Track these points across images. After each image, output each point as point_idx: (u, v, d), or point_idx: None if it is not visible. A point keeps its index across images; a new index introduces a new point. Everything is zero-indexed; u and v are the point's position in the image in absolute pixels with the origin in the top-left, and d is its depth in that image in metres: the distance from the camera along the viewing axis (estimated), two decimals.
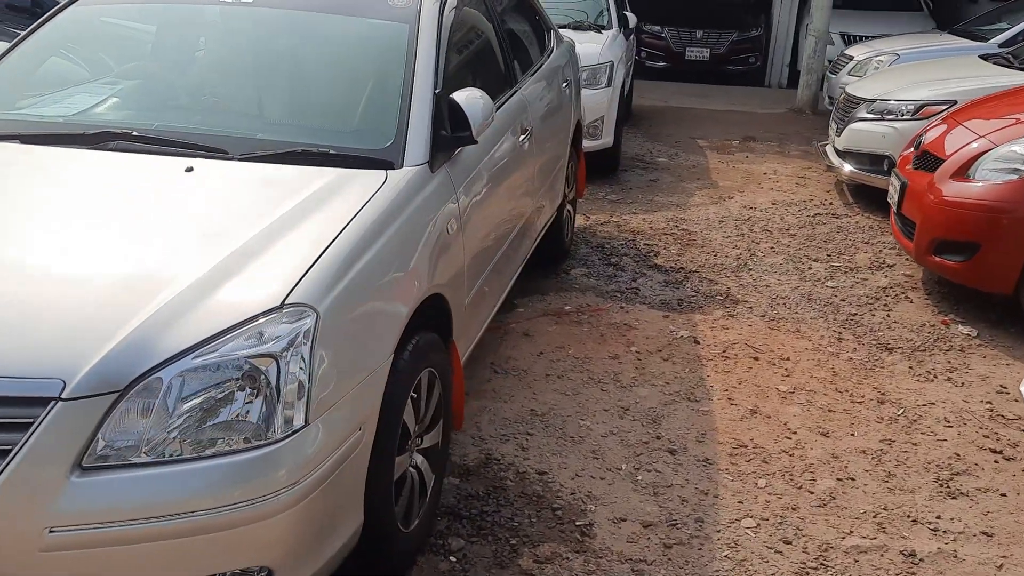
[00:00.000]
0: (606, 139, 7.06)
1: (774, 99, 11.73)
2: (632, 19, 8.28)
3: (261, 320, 1.91)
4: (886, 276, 5.17)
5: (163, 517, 1.79)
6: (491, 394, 3.64)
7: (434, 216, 2.62)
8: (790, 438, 3.42)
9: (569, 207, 5.24)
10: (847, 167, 6.61)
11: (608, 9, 7.93)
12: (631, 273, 5.12)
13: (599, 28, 7.61)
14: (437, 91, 2.84)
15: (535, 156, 3.85)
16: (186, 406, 1.83)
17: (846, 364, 4.06)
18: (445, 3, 3.17)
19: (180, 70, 3.10)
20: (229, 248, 2.10)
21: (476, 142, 2.88)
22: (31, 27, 3.23)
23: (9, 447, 1.71)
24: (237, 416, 1.87)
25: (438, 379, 2.64)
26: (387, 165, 2.57)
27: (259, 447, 1.87)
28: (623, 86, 7.44)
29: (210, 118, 2.81)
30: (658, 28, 12.96)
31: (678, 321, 4.49)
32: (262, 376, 1.89)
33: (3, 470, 1.70)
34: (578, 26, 7.54)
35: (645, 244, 5.64)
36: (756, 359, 4.09)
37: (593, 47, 7.15)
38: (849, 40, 11.22)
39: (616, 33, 7.69)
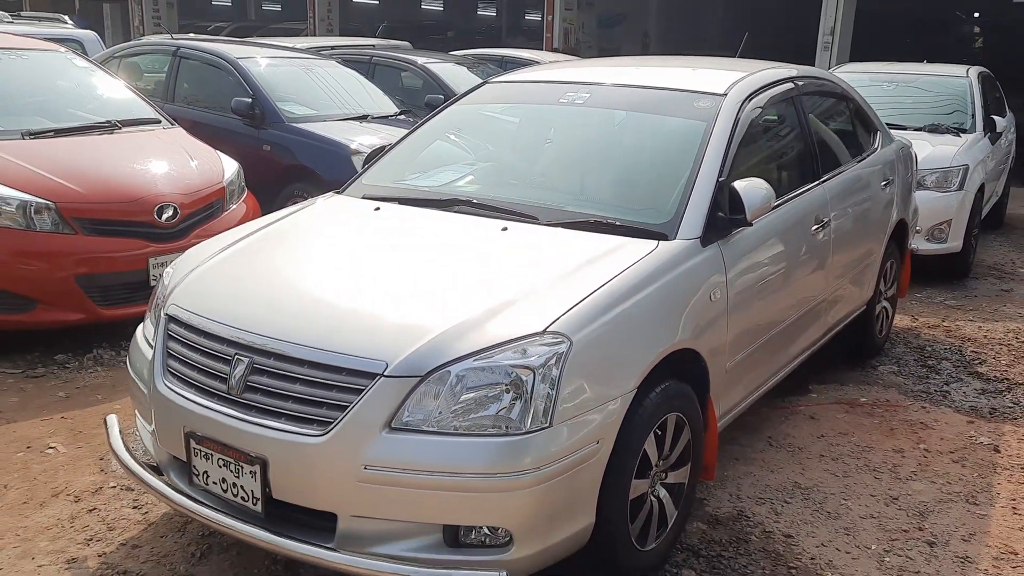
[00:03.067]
0: (952, 243, 6.84)
1: None
2: (1002, 124, 7.89)
3: (526, 340, 2.50)
4: None
5: (440, 473, 2.42)
6: (760, 463, 3.88)
7: (697, 283, 3.05)
8: None
9: (886, 305, 5.26)
10: None
11: (973, 114, 7.69)
12: (945, 377, 4.98)
13: (958, 131, 7.42)
14: (721, 179, 3.29)
15: (832, 248, 4.08)
16: (465, 395, 2.46)
17: None
18: (744, 105, 3.62)
19: (518, 155, 3.90)
20: (518, 285, 2.74)
21: (751, 225, 3.27)
22: (424, 118, 4.25)
23: (346, 404, 2.46)
24: (501, 410, 2.46)
25: (687, 426, 3.03)
26: (661, 236, 3.07)
27: (514, 435, 2.43)
28: (980, 191, 7.14)
29: (532, 192, 3.53)
30: None
31: (983, 428, 4.33)
32: (523, 382, 2.46)
33: (341, 420, 2.45)
34: (934, 129, 7.44)
35: (972, 352, 5.41)
36: None
37: (947, 150, 7.03)
38: None
39: (978, 137, 7.44)
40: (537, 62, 10.17)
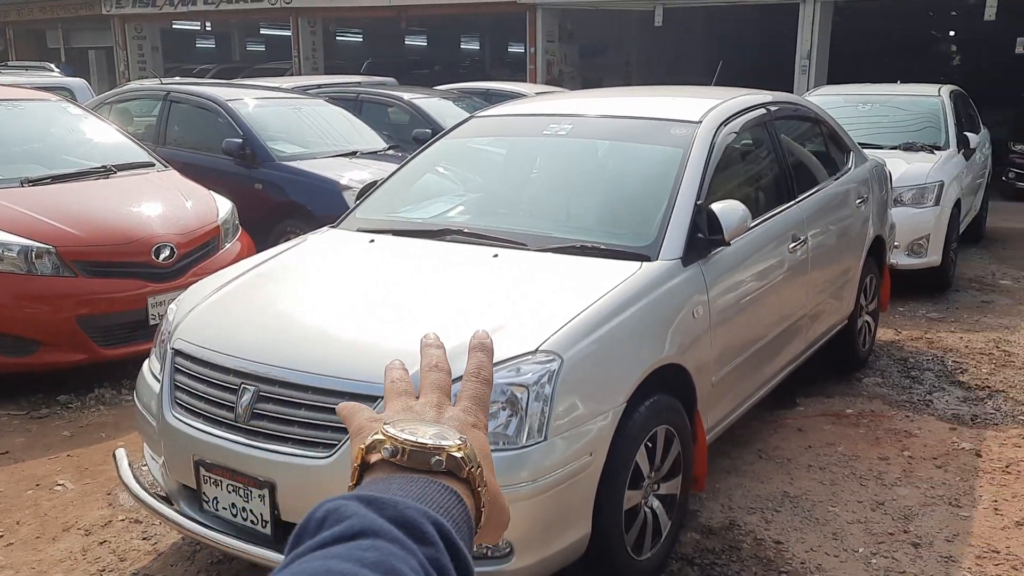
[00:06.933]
0: (932, 258, 7.02)
1: None
2: (975, 140, 8.13)
3: (519, 359, 2.63)
4: None
5: None
6: (750, 474, 4.00)
7: (680, 301, 3.19)
8: None
9: (868, 319, 5.41)
10: None
11: (946, 131, 7.92)
12: (928, 387, 5.13)
13: (933, 149, 7.63)
14: (699, 202, 3.44)
15: (810, 264, 4.23)
16: None
17: None
18: (719, 132, 3.79)
19: (506, 185, 4.05)
20: (511, 308, 2.88)
21: (728, 244, 3.42)
22: (413, 153, 4.41)
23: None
24: (498, 426, 2.59)
25: (676, 438, 3.15)
26: (644, 258, 3.22)
27: (510, 450, 2.56)
28: (956, 205, 7.33)
29: (521, 220, 3.69)
30: None
31: (965, 434, 4.46)
32: (517, 400, 2.59)
33: (345, 441, 2.57)
34: (909, 147, 7.65)
35: (954, 362, 5.56)
36: None
37: (922, 167, 7.23)
38: None
39: (952, 154, 7.65)
40: (523, 94, 10.39)
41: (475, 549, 2.46)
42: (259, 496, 2.66)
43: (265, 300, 3.21)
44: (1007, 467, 4.08)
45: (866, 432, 4.49)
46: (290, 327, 2.95)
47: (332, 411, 2.59)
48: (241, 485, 2.70)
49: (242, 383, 2.76)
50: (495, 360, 2.60)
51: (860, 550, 3.38)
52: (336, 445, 2.57)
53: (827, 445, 4.33)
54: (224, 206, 5.81)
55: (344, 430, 2.59)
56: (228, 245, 5.67)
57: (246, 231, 6.02)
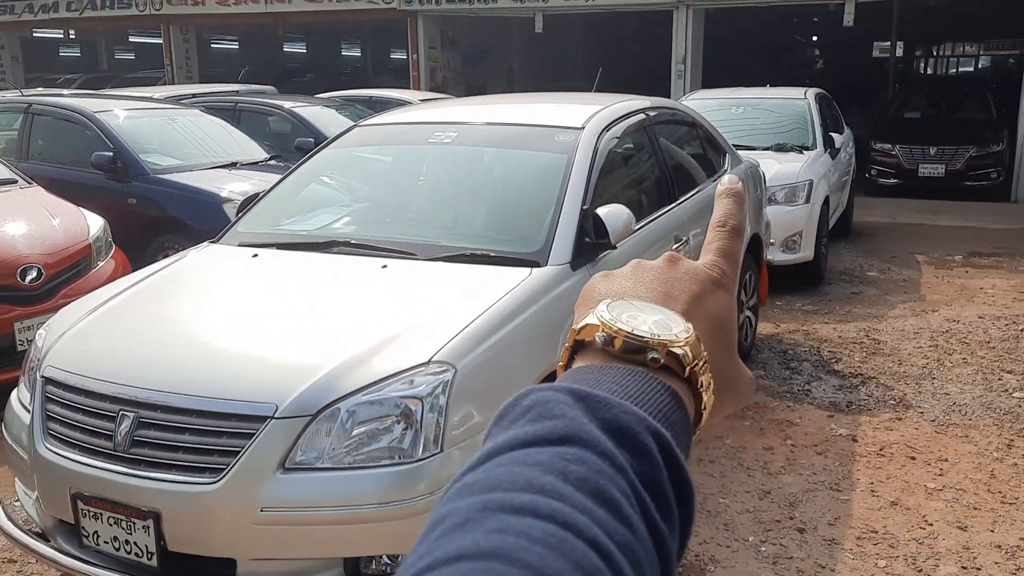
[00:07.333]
0: (805, 253, 7.34)
1: (1016, 215, 11.25)
2: (840, 140, 8.55)
3: (412, 371, 2.60)
4: None
5: (337, 507, 2.48)
6: None
7: (571, 305, 3.21)
8: (924, 528, 3.56)
9: (749, 314, 5.61)
10: None
11: (813, 132, 8.31)
12: (807, 377, 5.36)
13: (802, 149, 8.00)
14: (585, 207, 3.49)
15: None
16: (357, 430, 2.54)
17: (1009, 469, 4.07)
18: (601, 137, 3.86)
19: (393, 194, 4.01)
20: (402, 319, 2.85)
21: (615, 247, 3.48)
22: (296, 163, 4.31)
23: (238, 449, 2.49)
24: (393, 441, 2.55)
25: None
26: (534, 264, 3.24)
27: (406, 463, 2.52)
28: (825, 203, 7.70)
29: (409, 230, 3.66)
30: (888, 146, 12.94)
31: (842, 421, 4.68)
32: (412, 412, 2.56)
33: (234, 465, 2.48)
34: (780, 148, 7.99)
35: (829, 352, 5.83)
36: (912, 459, 4.21)
37: (793, 167, 7.56)
38: None
39: (819, 154, 8.03)
40: (407, 101, 10.33)
41: (372, 568, 2.38)
42: (143, 527, 2.54)
43: (142, 321, 3.07)
44: (881, 450, 4.31)
45: (751, 424, 4.65)
46: (170, 349, 2.83)
47: (218, 434, 2.51)
48: (123, 517, 2.57)
49: (120, 410, 2.62)
50: (388, 373, 2.57)
51: (750, 539, 3.50)
52: (224, 470, 2.48)
53: (715, 438, 4.46)
54: (95, 223, 5.54)
55: (232, 452, 2.51)
56: (101, 264, 5.41)
57: (120, 249, 5.76)
